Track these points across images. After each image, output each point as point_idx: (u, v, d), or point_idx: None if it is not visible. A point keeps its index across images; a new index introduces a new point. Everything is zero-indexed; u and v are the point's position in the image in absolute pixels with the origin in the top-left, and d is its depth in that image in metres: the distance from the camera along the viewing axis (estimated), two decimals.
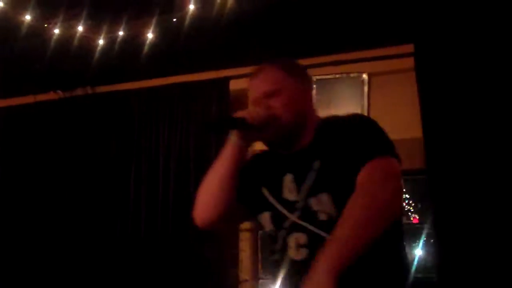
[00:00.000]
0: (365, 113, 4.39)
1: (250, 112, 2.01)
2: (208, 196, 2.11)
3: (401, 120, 4.23)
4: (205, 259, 4.61)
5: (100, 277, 4.92)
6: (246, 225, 4.74)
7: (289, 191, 2.05)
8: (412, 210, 8.70)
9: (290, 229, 2.01)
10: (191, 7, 3.84)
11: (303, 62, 4.48)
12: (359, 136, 1.96)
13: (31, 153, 5.48)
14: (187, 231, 4.60)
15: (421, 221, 7.07)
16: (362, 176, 1.86)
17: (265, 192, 2.12)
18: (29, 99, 5.61)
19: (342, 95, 4.55)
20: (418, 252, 6.08)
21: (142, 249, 4.83)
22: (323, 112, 2.27)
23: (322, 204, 1.95)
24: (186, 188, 4.70)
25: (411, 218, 8.64)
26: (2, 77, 5.20)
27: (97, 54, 4.41)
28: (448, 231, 3.96)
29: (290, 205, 2.03)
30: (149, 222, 4.87)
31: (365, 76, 4.58)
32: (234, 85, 4.71)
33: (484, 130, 3.91)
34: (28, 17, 4.03)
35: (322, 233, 1.92)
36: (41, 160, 5.43)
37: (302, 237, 1.98)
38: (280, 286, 2.06)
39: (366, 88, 4.56)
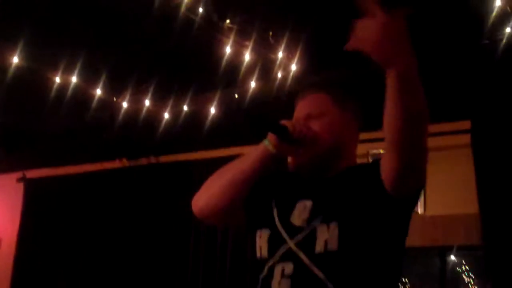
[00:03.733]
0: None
1: (293, 124, 1.91)
2: (217, 188, 2.00)
3: (458, 196, 4.24)
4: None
5: None
6: None
7: (298, 217, 1.88)
8: (472, 284, 8.55)
9: (281, 257, 1.86)
10: (253, 84, 3.99)
11: (362, 136, 4.64)
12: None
13: (94, 217, 5.68)
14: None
15: None
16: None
17: (274, 210, 1.96)
18: (96, 167, 5.85)
19: None
20: None
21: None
22: None
23: (329, 232, 1.81)
24: (244, 261, 4.78)
25: None
26: (73, 146, 5.43)
27: (162, 126, 4.59)
28: None
29: (292, 230, 1.87)
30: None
31: None
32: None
33: None
34: (99, 91, 4.27)
35: (312, 267, 1.79)
36: (106, 224, 5.61)
37: (289, 267, 1.82)
38: None
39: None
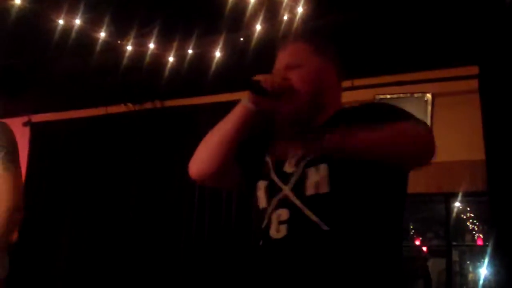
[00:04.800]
0: None
1: (266, 78, 1.92)
2: (206, 151, 2.06)
3: (464, 142, 4.23)
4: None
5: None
6: None
7: (289, 164, 1.95)
8: (476, 230, 8.61)
9: (277, 205, 1.92)
10: (258, 26, 3.94)
11: (369, 81, 4.62)
12: (376, 112, 1.91)
13: (100, 161, 5.71)
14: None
15: (485, 243, 7.00)
16: None
17: (269, 162, 2.03)
18: (100, 111, 5.84)
19: None
20: (483, 272, 6.04)
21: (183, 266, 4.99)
22: None
23: (318, 174, 1.86)
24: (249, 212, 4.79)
25: (475, 239, 8.56)
26: (78, 90, 5.42)
27: (167, 70, 4.55)
28: (508, 253, 3.94)
29: (286, 177, 1.94)
30: (207, 237, 5.05)
31: (429, 96, 4.59)
32: None
33: None
34: (103, 34, 4.22)
35: (305, 210, 1.84)
36: (111, 169, 5.64)
37: (284, 213, 1.89)
38: (257, 268, 1.96)
39: (429, 108, 4.57)
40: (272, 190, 1.97)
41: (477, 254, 8.02)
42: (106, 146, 5.72)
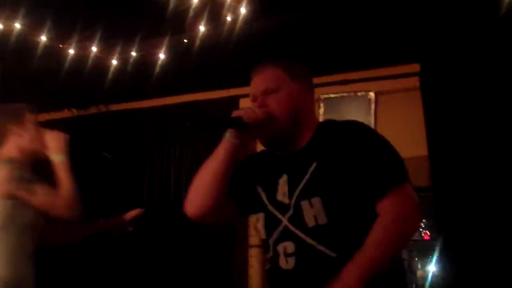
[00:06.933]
0: None
1: (246, 111, 2.01)
2: (199, 190, 2.11)
3: (408, 138, 4.27)
4: (214, 275, 4.67)
5: None
6: (255, 241, 4.80)
7: (283, 194, 2.04)
8: (422, 226, 8.72)
9: (280, 236, 2.02)
10: (202, 28, 3.93)
11: (313, 81, 4.63)
12: (368, 152, 1.97)
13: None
14: (197, 247, 4.67)
15: (432, 237, 7.09)
16: (386, 208, 1.91)
17: (260, 192, 2.12)
18: (43, 117, 5.72)
19: (350, 113, 4.61)
20: (431, 268, 6.10)
21: (149, 265, 4.91)
22: None
23: (313, 208, 1.95)
24: None
25: (422, 234, 8.67)
26: (18, 96, 5.29)
27: (110, 74, 4.51)
28: (456, 246, 4.02)
29: (283, 208, 2.03)
30: (160, 240, 4.96)
31: (372, 94, 4.65)
32: (244, 104, 4.79)
33: (488, 147, 3.97)
34: (43, 38, 4.14)
35: (309, 240, 1.94)
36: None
37: (290, 246, 1.99)
38: None
39: (373, 107, 4.62)
40: (271, 222, 2.06)
41: (425, 250, 8.11)
42: None
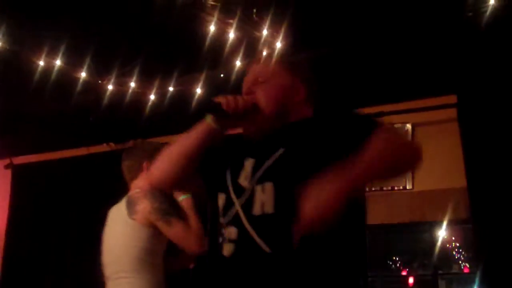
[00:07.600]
0: None
1: (228, 99, 1.94)
2: (167, 162, 2.06)
3: (446, 170, 4.26)
4: None
5: None
6: None
7: (245, 177, 1.95)
8: (462, 259, 8.62)
9: (230, 220, 1.92)
10: (238, 63, 3.98)
11: None
12: (338, 123, 1.89)
13: (82, 202, 5.66)
14: None
15: (471, 270, 6.99)
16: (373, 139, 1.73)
17: (227, 174, 2.04)
18: (83, 151, 5.82)
19: None
20: None
21: None
22: None
23: (264, 194, 1.85)
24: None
25: (462, 267, 8.57)
26: (59, 131, 5.40)
27: (148, 108, 4.57)
28: (496, 279, 3.96)
29: (239, 191, 1.94)
30: None
31: (409, 126, 4.64)
32: None
33: None
34: (83, 74, 4.23)
35: (250, 230, 1.83)
36: (94, 209, 5.58)
37: (233, 232, 1.89)
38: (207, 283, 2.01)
39: (410, 138, 4.60)
40: (227, 204, 1.97)
41: (464, 282, 8.01)
42: (89, 186, 5.68)
